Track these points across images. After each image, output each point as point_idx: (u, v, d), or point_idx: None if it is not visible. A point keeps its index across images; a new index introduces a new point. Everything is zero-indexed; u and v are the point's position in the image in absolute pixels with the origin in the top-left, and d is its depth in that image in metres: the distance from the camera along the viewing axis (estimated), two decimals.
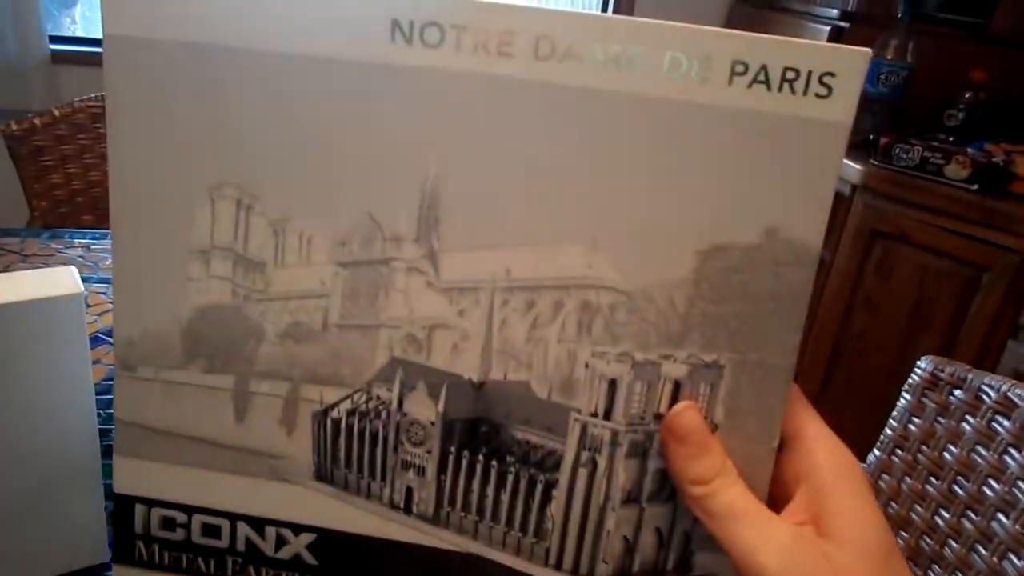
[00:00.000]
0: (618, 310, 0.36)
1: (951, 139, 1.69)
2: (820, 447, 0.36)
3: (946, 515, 0.64)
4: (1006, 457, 0.60)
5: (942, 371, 0.69)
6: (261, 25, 0.35)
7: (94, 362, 0.67)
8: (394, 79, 0.35)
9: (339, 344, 0.38)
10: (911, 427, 0.72)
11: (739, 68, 0.33)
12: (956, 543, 0.64)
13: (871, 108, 1.70)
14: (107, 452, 0.53)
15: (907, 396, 0.73)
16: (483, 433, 0.38)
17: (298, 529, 0.41)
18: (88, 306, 0.78)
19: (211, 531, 0.42)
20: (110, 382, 0.66)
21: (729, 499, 0.35)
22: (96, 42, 2.24)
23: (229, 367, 0.39)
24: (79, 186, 1.27)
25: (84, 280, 0.81)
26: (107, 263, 0.89)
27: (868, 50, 0.32)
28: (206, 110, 0.36)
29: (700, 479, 0.35)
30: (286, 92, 0.35)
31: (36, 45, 1.98)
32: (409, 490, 0.40)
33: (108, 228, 1.12)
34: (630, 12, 2.28)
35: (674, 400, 0.37)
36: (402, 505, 0.40)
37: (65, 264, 0.45)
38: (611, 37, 0.33)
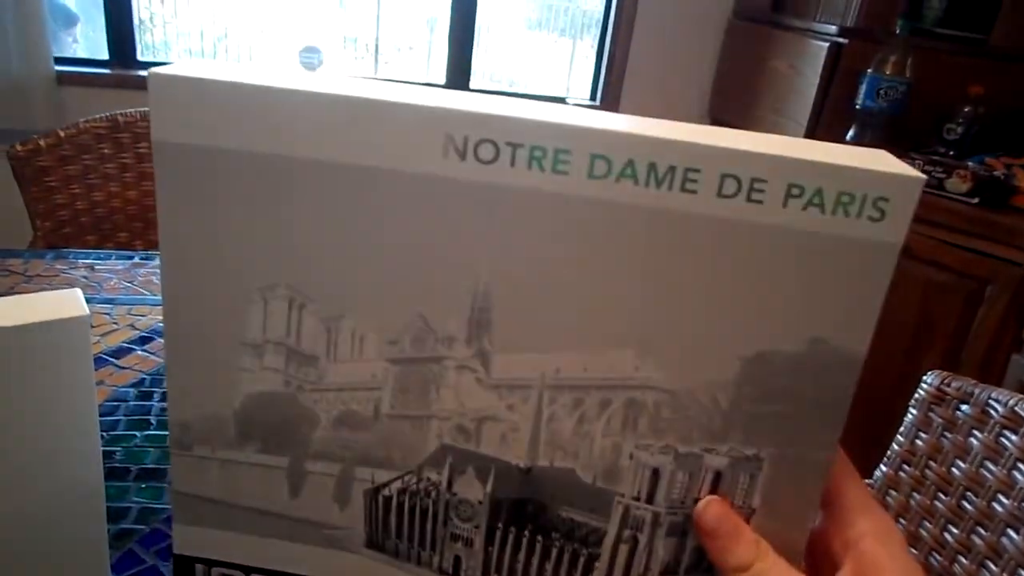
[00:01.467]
0: (663, 407, 0.37)
1: (951, 153, 1.68)
2: (865, 516, 0.38)
3: (955, 531, 0.67)
4: (1015, 472, 0.63)
5: (948, 386, 0.71)
6: (313, 136, 0.34)
7: (98, 383, 0.68)
8: (447, 191, 0.35)
9: (390, 432, 0.39)
10: (918, 442, 0.74)
11: (795, 191, 0.33)
12: (966, 559, 0.67)
13: (870, 123, 1.68)
14: (107, 475, 0.55)
15: (913, 411, 0.75)
16: (529, 512, 0.40)
17: None
18: (91, 327, 0.79)
19: None
20: (113, 404, 0.67)
21: None
22: (101, 63, 2.18)
23: (283, 449, 0.41)
24: (83, 206, 1.25)
25: (87, 300, 0.81)
26: (111, 283, 0.88)
27: (923, 176, 0.32)
28: (257, 216, 0.36)
29: (739, 566, 0.38)
30: (338, 200, 0.35)
31: (41, 66, 1.95)
32: (457, 559, 0.42)
33: (110, 248, 1.11)
34: (629, 31, 2.20)
35: (715, 488, 0.39)
36: (450, 571, 0.42)
37: (69, 284, 0.46)
38: (666, 158, 0.33)
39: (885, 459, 0.80)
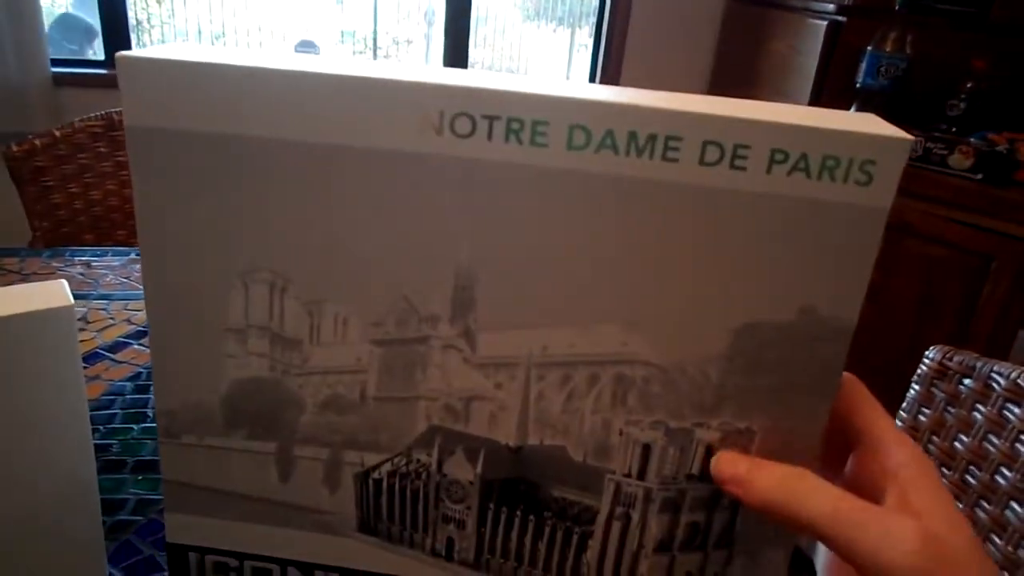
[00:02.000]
0: (652, 382, 0.37)
1: (953, 129, 1.66)
2: (899, 447, 0.36)
3: (959, 505, 0.66)
4: (1018, 445, 0.62)
5: (951, 360, 0.70)
6: (286, 116, 0.34)
7: (94, 377, 0.68)
8: (425, 167, 0.34)
9: (378, 414, 0.39)
10: (921, 418, 0.73)
11: (779, 156, 0.32)
12: None
13: (871, 100, 1.66)
14: (104, 468, 0.55)
15: (916, 387, 0.74)
16: (521, 491, 0.40)
17: (345, 573, 0.43)
18: (88, 322, 0.78)
19: (262, 574, 0.44)
20: (110, 397, 0.67)
21: (830, 503, 0.34)
22: (97, 63, 2.18)
23: (271, 434, 0.40)
24: (80, 206, 1.25)
25: (84, 296, 0.81)
26: (108, 279, 0.88)
27: (910, 138, 0.32)
28: (234, 199, 0.35)
29: (784, 497, 0.35)
30: (314, 181, 0.35)
31: (38, 68, 1.96)
32: (450, 540, 0.42)
33: (109, 245, 1.11)
34: (626, 17, 2.19)
35: (706, 461, 0.38)
36: (443, 553, 0.42)
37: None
38: (646, 126, 0.32)
39: None
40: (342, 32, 4.35)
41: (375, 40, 4.14)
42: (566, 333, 0.36)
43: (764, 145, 0.32)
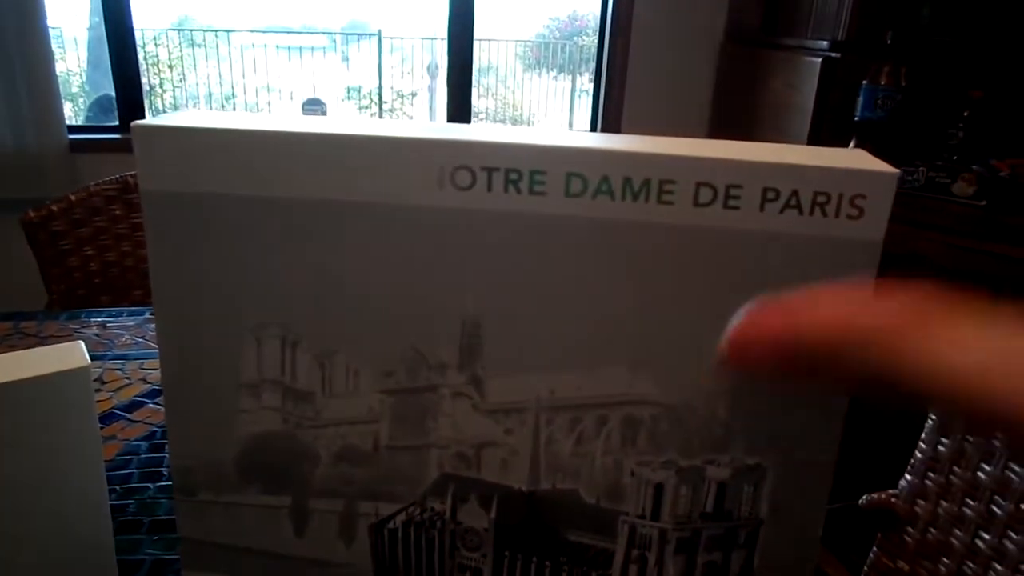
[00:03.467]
0: (661, 421, 0.37)
1: (955, 158, 1.68)
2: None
3: (987, 536, 0.65)
4: None
5: None
6: (293, 175, 0.35)
7: (110, 437, 0.69)
8: (428, 220, 0.35)
9: (391, 464, 0.39)
10: (940, 448, 0.73)
11: (771, 195, 0.33)
12: (1000, 565, 0.65)
13: (870, 133, 1.69)
14: (120, 528, 0.55)
15: (933, 416, 0.74)
16: (535, 537, 0.40)
17: None
18: (104, 383, 0.79)
19: None
20: (126, 457, 0.67)
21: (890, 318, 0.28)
22: (112, 128, 2.25)
23: (285, 488, 0.41)
24: (95, 267, 1.28)
25: (100, 357, 0.82)
26: (123, 339, 0.90)
27: (896, 171, 0.32)
28: (244, 256, 0.37)
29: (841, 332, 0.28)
30: (322, 236, 0.36)
31: (55, 135, 2.02)
32: None
33: (125, 306, 1.12)
34: (624, 62, 2.24)
35: (719, 499, 0.38)
36: None
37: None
38: (640, 172, 0.33)
39: (909, 467, 0.78)
40: (348, 88, 4.45)
41: (380, 95, 4.23)
42: (573, 376, 0.37)
43: (756, 184, 0.33)
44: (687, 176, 0.33)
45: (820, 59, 1.75)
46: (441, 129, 0.36)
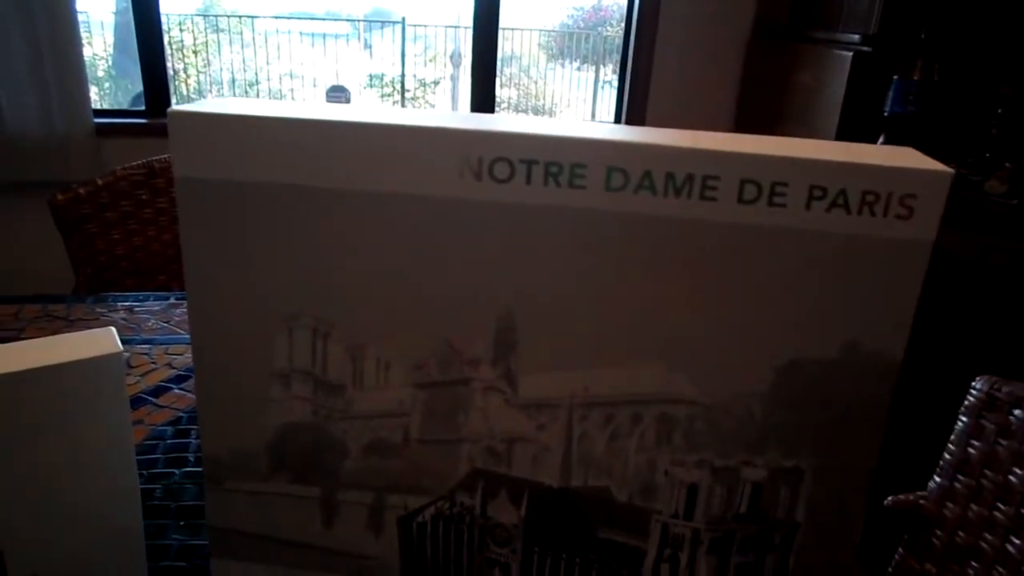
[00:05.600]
0: (696, 421, 0.36)
1: (987, 155, 1.65)
2: None
3: (1017, 541, 0.64)
4: None
5: (999, 391, 0.68)
6: (329, 165, 0.35)
7: (137, 422, 0.69)
8: (465, 212, 0.34)
9: (421, 457, 0.39)
10: (971, 450, 0.72)
11: (817, 193, 0.32)
12: None
13: (900, 129, 1.66)
14: (147, 513, 0.55)
15: (964, 418, 0.73)
16: (566, 533, 0.39)
17: None
18: (131, 367, 0.80)
19: None
20: (152, 442, 0.68)
21: None
22: (138, 113, 2.27)
23: (314, 478, 0.40)
24: (122, 251, 1.29)
25: (127, 341, 0.82)
26: (149, 324, 0.90)
27: (950, 171, 0.31)
28: (278, 246, 0.36)
29: None
30: (357, 227, 0.35)
31: (82, 119, 2.05)
32: None
33: (150, 290, 1.12)
34: (650, 54, 2.22)
35: (754, 500, 0.37)
36: None
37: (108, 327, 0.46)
38: (684, 167, 0.33)
39: (938, 469, 0.77)
40: (370, 76, 4.45)
41: (403, 83, 4.23)
42: (608, 373, 0.36)
43: (802, 182, 0.32)
44: (732, 172, 0.32)
45: (851, 53, 1.72)
46: (478, 120, 0.35)
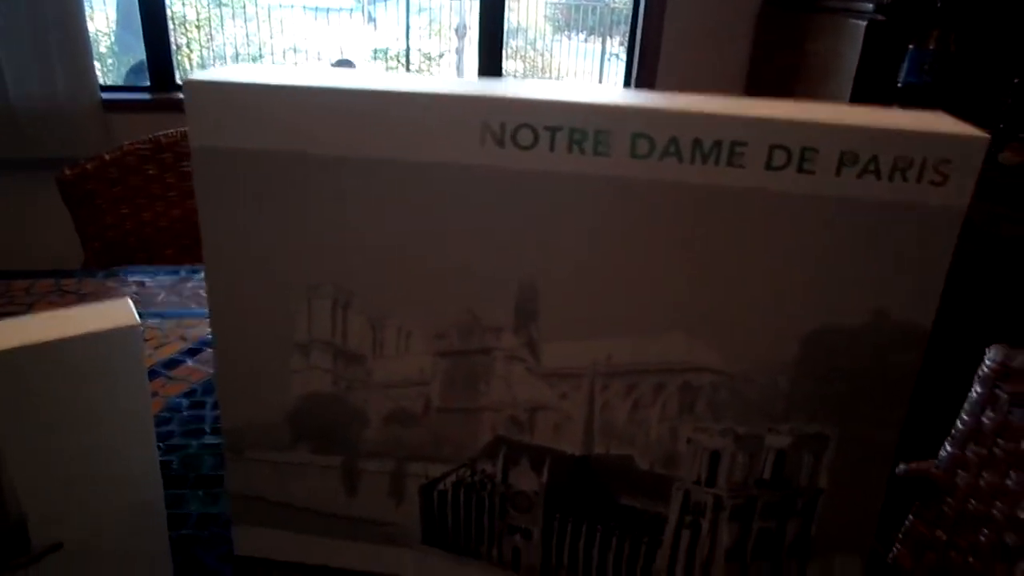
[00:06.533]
0: (720, 390, 0.36)
1: (1001, 126, 1.62)
2: None
3: None
4: None
5: (1012, 360, 0.68)
6: (349, 132, 0.34)
7: (152, 395, 0.69)
8: (487, 180, 0.34)
9: (442, 426, 0.39)
10: (984, 420, 0.71)
11: (848, 159, 0.32)
12: None
13: (914, 100, 1.63)
14: (168, 483, 0.56)
15: (978, 388, 0.72)
16: (587, 501, 0.40)
17: None
18: (145, 340, 0.80)
19: None
20: (167, 414, 0.68)
21: None
22: (143, 88, 2.25)
23: (336, 448, 0.41)
24: (131, 226, 1.28)
25: (139, 315, 0.82)
26: (160, 298, 0.90)
27: (986, 135, 0.31)
28: (297, 215, 0.36)
29: None
30: (378, 195, 0.35)
31: (88, 95, 2.03)
32: (516, 550, 0.41)
33: (160, 265, 1.12)
34: (659, 23, 2.18)
35: (777, 467, 0.37)
36: (510, 563, 0.42)
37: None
38: (711, 133, 0.32)
39: (949, 438, 0.77)
40: (375, 50, 4.40)
41: (407, 56, 4.19)
42: (631, 342, 0.36)
43: (833, 148, 0.32)
44: (760, 138, 0.32)
45: (865, 22, 1.69)
46: (500, 86, 0.34)
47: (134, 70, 2.66)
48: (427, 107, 0.33)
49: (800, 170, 0.32)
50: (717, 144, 0.32)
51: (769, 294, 0.34)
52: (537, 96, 0.33)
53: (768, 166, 0.32)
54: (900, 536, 0.84)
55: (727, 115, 0.32)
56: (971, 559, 0.77)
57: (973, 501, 0.73)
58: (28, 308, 0.86)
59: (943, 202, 0.32)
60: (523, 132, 0.33)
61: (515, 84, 0.35)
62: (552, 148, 0.33)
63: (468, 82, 0.35)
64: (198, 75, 0.35)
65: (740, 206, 0.33)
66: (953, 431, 0.76)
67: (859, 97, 1.75)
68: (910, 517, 0.83)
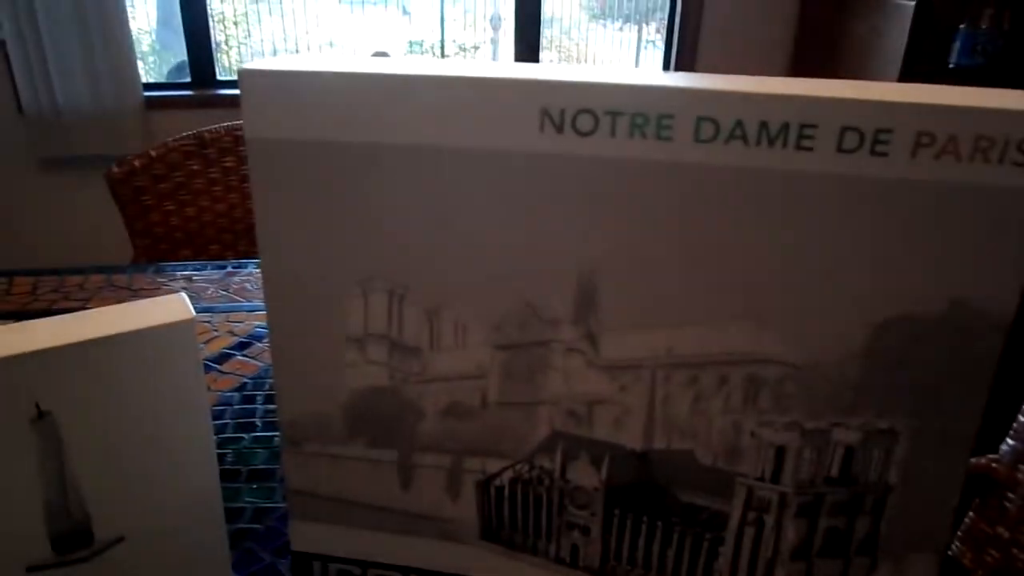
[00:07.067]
0: (786, 382, 0.35)
1: None
2: None
3: None
4: None
5: None
6: (405, 120, 0.34)
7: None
8: (546, 167, 0.33)
9: (499, 420, 0.39)
10: None
11: (925, 140, 0.30)
12: None
13: (966, 81, 1.58)
14: (222, 476, 0.56)
15: None
16: (647, 497, 0.39)
17: None
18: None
19: None
20: (220, 408, 0.69)
21: None
22: (184, 86, 2.30)
23: (391, 442, 0.40)
24: (176, 223, 1.31)
25: None
26: (209, 292, 0.91)
27: None
28: (353, 206, 0.36)
29: None
30: (433, 185, 0.35)
31: (131, 94, 2.09)
32: (575, 547, 0.41)
33: (205, 259, 1.14)
34: (699, 6, 2.15)
35: (846, 463, 0.36)
36: (568, 560, 0.41)
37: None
38: (778, 115, 0.31)
39: (1012, 432, 0.75)
40: (410, 42, 4.41)
41: (443, 48, 4.19)
42: (693, 333, 0.35)
43: (909, 128, 0.30)
44: (831, 120, 0.31)
45: (914, 2, 1.64)
46: (558, 71, 0.34)
47: (175, 70, 2.71)
48: (486, 92, 0.33)
49: (873, 152, 0.31)
50: (785, 127, 0.31)
51: (838, 282, 0.33)
52: (598, 80, 0.32)
53: (839, 148, 0.31)
54: (960, 534, 0.81)
55: (795, 95, 0.30)
56: None
57: None
58: (84, 304, 0.87)
59: None
60: (583, 117, 0.32)
61: (570, 69, 0.34)
62: (613, 133, 0.32)
63: (525, 67, 0.34)
64: (253, 64, 0.35)
65: (809, 191, 0.32)
66: (1015, 424, 0.74)
67: (907, 81, 1.70)
68: (971, 514, 0.81)
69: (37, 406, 0.41)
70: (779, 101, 0.31)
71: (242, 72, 0.34)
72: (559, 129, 0.33)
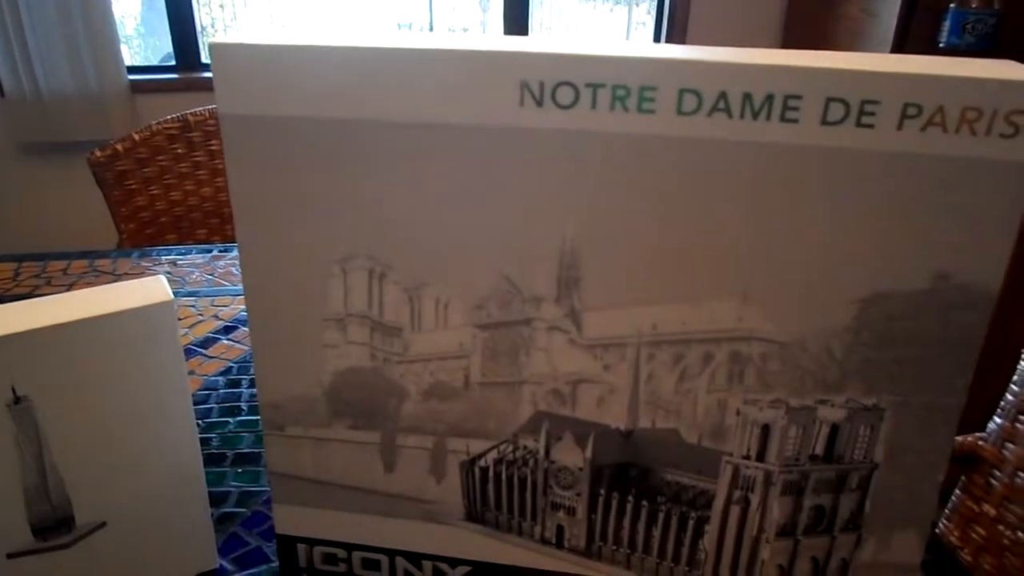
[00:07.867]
0: (771, 359, 0.35)
1: None
2: None
3: None
4: None
5: None
6: (381, 95, 0.33)
7: (188, 373, 0.69)
8: (526, 142, 0.33)
9: (482, 400, 0.38)
10: (1019, 425, 0.69)
11: (911, 111, 0.30)
12: None
13: None
14: (207, 461, 0.56)
15: (1016, 387, 0.70)
16: (633, 476, 0.38)
17: (454, 563, 0.43)
18: (179, 319, 0.80)
19: (371, 565, 0.44)
20: (205, 392, 0.68)
21: None
22: (169, 68, 2.26)
23: (374, 424, 0.40)
24: (162, 207, 1.29)
25: (173, 294, 0.83)
26: (193, 277, 0.90)
27: None
28: (329, 184, 0.35)
29: None
30: (412, 160, 0.34)
31: (115, 77, 2.06)
32: (560, 528, 0.40)
33: (191, 244, 1.13)
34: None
35: (831, 441, 0.36)
36: (554, 541, 0.41)
37: None
38: (762, 86, 0.30)
39: (999, 411, 0.75)
40: (398, 24, 4.37)
41: (431, 29, 4.15)
42: (677, 310, 0.35)
43: (895, 99, 0.30)
44: (816, 91, 0.30)
45: None
46: (537, 42, 0.33)
47: (169, 57, 2.68)
48: (463, 66, 0.32)
49: (859, 124, 0.30)
50: (769, 98, 0.30)
51: (823, 257, 0.32)
52: (578, 52, 0.31)
53: (824, 120, 0.30)
54: (946, 511, 0.82)
55: (779, 66, 0.30)
56: (1021, 534, 0.75)
57: (1022, 475, 0.71)
58: (67, 289, 0.86)
59: (1014, 156, 0.30)
60: (563, 90, 0.31)
61: (549, 41, 0.33)
62: (594, 106, 0.32)
63: (503, 39, 0.33)
64: (225, 37, 0.34)
65: (793, 164, 0.31)
66: (1002, 403, 0.74)
67: None
68: (957, 491, 0.81)
69: (13, 390, 0.40)
70: (763, 71, 0.30)
71: (213, 46, 0.33)
72: (539, 103, 0.32)
